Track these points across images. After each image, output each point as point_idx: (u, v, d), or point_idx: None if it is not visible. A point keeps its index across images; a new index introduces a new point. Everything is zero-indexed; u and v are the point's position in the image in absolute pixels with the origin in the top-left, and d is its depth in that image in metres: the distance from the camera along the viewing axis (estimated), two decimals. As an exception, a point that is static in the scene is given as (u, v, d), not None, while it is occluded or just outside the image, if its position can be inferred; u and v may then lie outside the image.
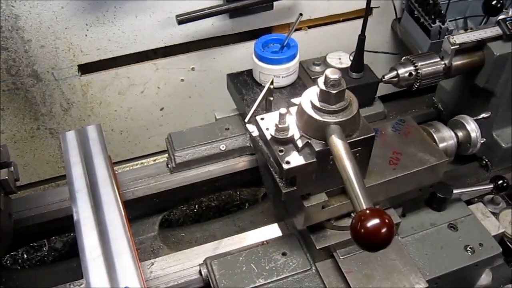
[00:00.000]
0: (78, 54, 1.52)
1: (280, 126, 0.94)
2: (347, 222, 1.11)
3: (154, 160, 1.48)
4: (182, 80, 1.71)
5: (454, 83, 1.55)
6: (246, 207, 1.82)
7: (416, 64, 1.29)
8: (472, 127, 1.33)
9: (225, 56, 1.66)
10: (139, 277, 0.99)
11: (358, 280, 1.08)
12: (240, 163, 1.40)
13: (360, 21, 1.27)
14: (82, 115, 1.71)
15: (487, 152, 1.46)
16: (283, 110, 0.92)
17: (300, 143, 0.93)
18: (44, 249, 1.74)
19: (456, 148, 1.33)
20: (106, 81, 1.63)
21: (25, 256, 1.72)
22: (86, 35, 1.47)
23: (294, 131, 0.95)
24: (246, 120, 1.06)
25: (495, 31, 1.31)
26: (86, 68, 1.59)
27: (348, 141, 0.90)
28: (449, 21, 1.56)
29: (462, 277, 1.22)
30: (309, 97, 0.92)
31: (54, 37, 1.45)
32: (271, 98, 1.10)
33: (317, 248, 1.09)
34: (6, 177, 1.15)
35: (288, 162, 0.92)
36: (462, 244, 1.18)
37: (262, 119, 1.00)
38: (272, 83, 1.06)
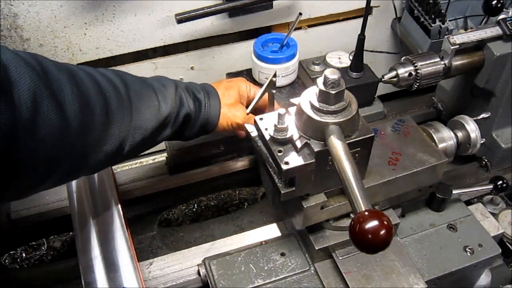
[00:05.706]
0: (77, 53, 1.51)
1: (279, 126, 0.93)
2: (346, 222, 1.10)
3: (153, 159, 1.48)
4: (181, 79, 1.70)
5: (454, 83, 1.55)
6: (246, 206, 1.81)
7: (415, 64, 1.28)
8: (472, 128, 1.33)
9: (224, 55, 1.66)
10: (138, 277, 0.99)
11: (357, 281, 1.08)
12: (239, 162, 1.40)
13: (360, 20, 1.27)
14: (81, 114, 1.70)
15: (487, 152, 1.46)
16: (282, 110, 0.92)
17: (299, 144, 0.92)
18: (43, 248, 1.74)
19: (456, 148, 1.33)
20: (105, 80, 1.62)
21: (24, 255, 1.72)
22: (85, 34, 1.47)
23: (293, 132, 0.94)
24: (248, 111, 1.06)
25: (495, 31, 1.30)
26: (85, 67, 1.58)
27: (347, 142, 0.89)
28: (449, 20, 1.55)
29: (461, 278, 1.21)
30: (308, 97, 0.91)
31: (53, 36, 1.44)
32: (274, 91, 1.07)
33: (316, 248, 1.09)
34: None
35: (287, 163, 0.92)
36: (461, 244, 1.18)
37: (261, 119, 0.99)
38: (275, 75, 1.03)
